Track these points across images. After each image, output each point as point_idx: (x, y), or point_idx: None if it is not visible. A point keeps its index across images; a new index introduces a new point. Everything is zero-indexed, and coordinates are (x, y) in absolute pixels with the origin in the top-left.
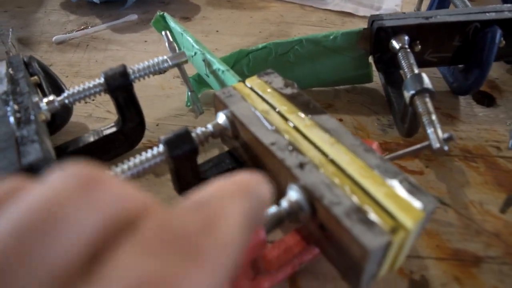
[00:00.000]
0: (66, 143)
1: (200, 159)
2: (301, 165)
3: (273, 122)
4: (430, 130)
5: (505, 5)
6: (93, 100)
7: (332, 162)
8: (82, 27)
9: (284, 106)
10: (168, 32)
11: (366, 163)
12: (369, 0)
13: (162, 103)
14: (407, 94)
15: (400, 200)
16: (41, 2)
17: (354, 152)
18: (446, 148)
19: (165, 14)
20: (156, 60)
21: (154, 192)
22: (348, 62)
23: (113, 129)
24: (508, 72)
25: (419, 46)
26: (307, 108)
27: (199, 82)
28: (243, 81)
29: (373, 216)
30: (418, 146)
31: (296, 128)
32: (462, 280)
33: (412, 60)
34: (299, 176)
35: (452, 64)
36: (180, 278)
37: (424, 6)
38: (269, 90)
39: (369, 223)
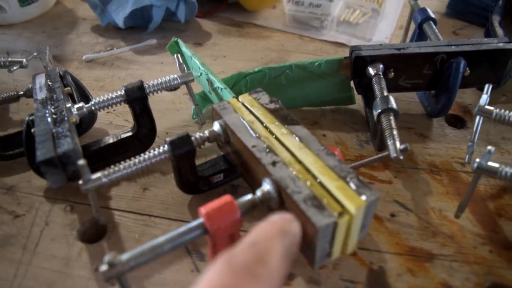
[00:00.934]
0: (90, 143)
1: (202, 161)
2: (274, 163)
3: (256, 130)
4: (390, 142)
5: (472, 39)
6: (114, 110)
7: (299, 162)
8: (108, 48)
9: (266, 118)
10: (179, 55)
11: (326, 163)
12: (362, 32)
13: (172, 115)
14: (375, 113)
15: (348, 192)
16: (74, 25)
17: (318, 155)
18: (401, 157)
19: (179, 40)
20: (168, 78)
21: (160, 188)
22: (332, 86)
23: (129, 134)
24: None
25: (392, 73)
26: (285, 119)
27: (204, 98)
28: (237, 97)
29: (325, 202)
30: (379, 155)
31: (274, 135)
32: (416, 272)
33: (383, 84)
34: (271, 171)
35: (425, 90)
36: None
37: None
38: (256, 105)
39: (321, 208)
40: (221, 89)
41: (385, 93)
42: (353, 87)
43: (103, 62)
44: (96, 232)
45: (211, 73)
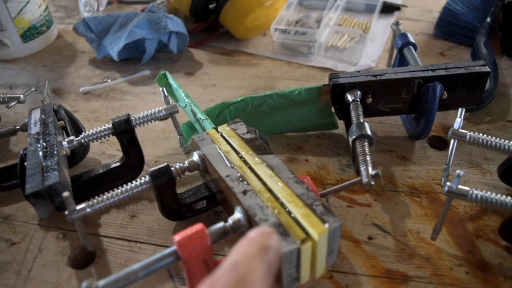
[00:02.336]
0: (81, 174)
1: (185, 189)
2: (245, 192)
3: (231, 160)
4: (362, 168)
5: (449, 63)
6: (107, 140)
7: (269, 190)
8: (104, 80)
9: (242, 148)
10: (164, 89)
11: (294, 191)
12: (349, 57)
13: (162, 144)
14: (350, 139)
15: (312, 219)
16: (74, 58)
17: (287, 183)
18: (373, 183)
19: (167, 72)
20: (153, 110)
21: (147, 215)
22: (314, 112)
23: (118, 164)
24: (466, 119)
25: (371, 99)
26: (258, 149)
27: (191, 127)
28: (216, 128)
29: (289, 230)
30: (352, 181)
31: (248, 165)
32: None
33: (359, 111)
34: (241, 200)
35: (405, 114)
36: None
37: None
38: (233, 135)
39: (286, 235)
40: (203, 120)
41: (361, 119)
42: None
43: (99, 93)
44: (85, 258)
45: (194, 104)
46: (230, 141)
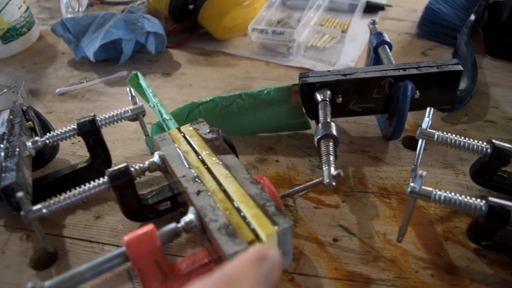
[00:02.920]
0: (48, 175)
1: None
2: (198, 192)
3: (189, 160)
4: (324, 168)
5: (422, 62)
6: (79, 141)
7: (223, 191)
8: (81, 81)
9: (201, 148)
10: (131, 89)
11: (247, 192)
12: (328, 56)
13: (133, 145)
14: (315, 138)
15: (262, 220)
16: (53, 59)
17: (242, 184)
18: (334, 183)
19: (138, 73)
20: (119, 110)
21: (112, 216)
22: (285, 112)
23: (85, 164)
24: (443, 119)
25: (341, 99)
26: (217, 149)
27: (161, 128)
28: (179, 128)
29: (239, 231)
30: (313, 181)
31: (205, 165)
32: None
33: (327, 111)
34: (194, 200)
35: (377, 113)
36: None
37: None
38: (195, 135)
39: (234, 236)
40: (167, 120)
41: (328, 119)
42: None
43: (75, 94)
44: (47, 260)
45: (161, 105)
46: (191, 141)
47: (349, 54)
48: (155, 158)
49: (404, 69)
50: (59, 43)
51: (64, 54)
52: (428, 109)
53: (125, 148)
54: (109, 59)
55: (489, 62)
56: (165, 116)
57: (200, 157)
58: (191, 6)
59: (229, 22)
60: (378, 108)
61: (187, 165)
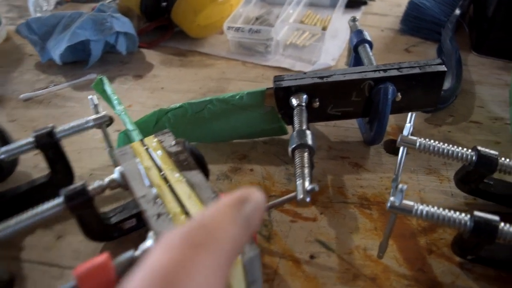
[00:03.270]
0: (4, 192)
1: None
2: (159, 216)
3: (151, 177)
4: (298, 182)
5: (403, 62)
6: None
7: (186, 213)
8: (48, 85)
9: (164, 163)
10: (93, 97)
11: None
12: (308, 55)
13: (99, 155)
14: (289, 148)
15: None
16: (20, 62)
17: (206, 203)
18: (308, 199)
19: (103, 78)
20: (80, 121)
21: (74, 235)
22: (259, 117)
23: (44, 180)
24: (426, 121)
25: (318, 103)
26: (182, 165)
27: (129, 136)
28: (142, 140)
29: None
30: (286, 197)
31: (167, 183)
32: None
33: (303, 117)
34: (153, 225)
35: (357, 117)
36: (194, 260)
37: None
38: (159, 148)
39: None
40: (130, 131)
41: (304, 126)
42: None
43: (41, 100)
44: (5, 286)
45: (125, 113)
46: (154, 156)
47: (330, 52)
48: (115, 175)
49: (385, 71)
50: (26, 44)
51: (31, 56)
52: (409, 114)
53: (91, 159)
54: (77, 61)
55: (475, 59)
56: (129, 126)
57: (162, 173)
58: (164, 4)
59: (204, 20)
60: (358, 112)
61: (147, 184)
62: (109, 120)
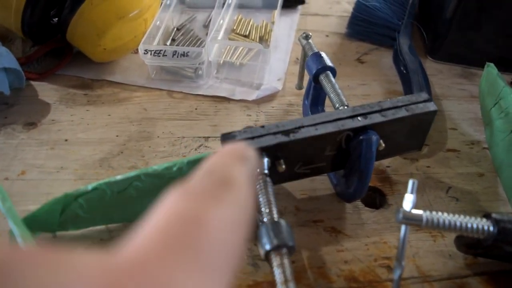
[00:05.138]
0: None
1: None
2: None
3: None
4: None
5: (382, 101)
6: None
7: None
8: None
9: None
10: None
11: None
12: (248, 76)
13: None
14: (261, 251)
15: None
16: None
17: None
18: None
19: None
20: None
21: None
22: None
23: None
24: (401, 156)
25: (283, 166)
26: None
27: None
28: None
29: None
30: None
31: None
32: None
33: (270, 195)
34: None
35: (330, 171)
36: (211, 211)
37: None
38: None
39: None
40: (15, 237)
41: (275, 216)
42: None
43: None
44: None
45: (7, 209)
46: None
47: (274, 70)
48: None
49: (365, 116)
50: None
51: None
52: (410, 182)
53: None
54: None
55: (432, 66)
56: (14, 230)
57: None
58: (55, 20)
59: (111, 42)
60: (332, 166)
61: None
62: None
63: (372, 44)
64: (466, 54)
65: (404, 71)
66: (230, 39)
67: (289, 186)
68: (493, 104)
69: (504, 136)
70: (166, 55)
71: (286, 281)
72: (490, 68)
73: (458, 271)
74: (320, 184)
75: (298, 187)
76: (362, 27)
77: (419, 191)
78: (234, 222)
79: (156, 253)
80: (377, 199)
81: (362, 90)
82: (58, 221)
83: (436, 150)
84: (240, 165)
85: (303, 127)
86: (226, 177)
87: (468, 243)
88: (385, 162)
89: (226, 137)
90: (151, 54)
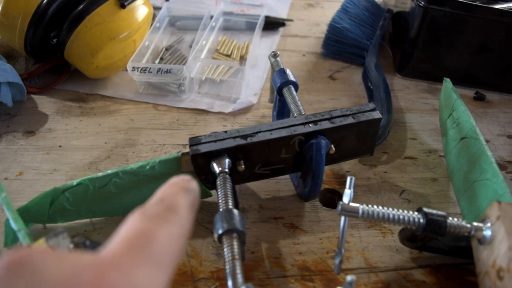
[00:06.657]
0: None
1: None
2: None
3: None
4: (229, 283)
5: (332, 111)
6: None
7: None
8: None
9: None
10: None
11: None
12: (227, 92)
13: None
14: (215, 234)
15: None
16: None
17: None
18: None
19: None
20: None
21: None
22: None
23: None
24: (360, 161)
25: (243, 166)
26: None
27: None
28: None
29: None
30: None
31: None
32: None
33: (228, 189)
34: None
35: (288, 173)
36: (159, 228)
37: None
38: None
39: None
40: (16, 231)
41: (230, 204)
42: None
43: None
44: None
45: (3, 198)
46: None
47: (251, 86)
48: None
49: (315, 123)
50: None
51: None
52: (348, 179)
53: None
54: None
55: (400, 82)
56: (13, 225)
57: None
58: (54, 40)
59: (103, 60)
60: (289, 168)
61: None
62: None
63: (344, 62)
64: (432, 71)
65: (371, 87)
66: (213, 58)
67: (255, 187)
68: (448, 115)
69: (456, 144)
70: (151, 72)
71: (233, 259)
72: (447, 83)
73: (404, 263)
74: (284, 186)
75: (264, 188)
76: (335, 47)
77: (374, 193)
78: (176, 236)
79: (123, 255)
80: (336, 200)
81: (331, 104)
82: (48, 213)
83: (394, 157)
84: (184, 194)
85: (260, 132)
86: (172, 204)
87: (407, 236)
88: (346, 167)
89: (193, 140)
90: (138, 71)
